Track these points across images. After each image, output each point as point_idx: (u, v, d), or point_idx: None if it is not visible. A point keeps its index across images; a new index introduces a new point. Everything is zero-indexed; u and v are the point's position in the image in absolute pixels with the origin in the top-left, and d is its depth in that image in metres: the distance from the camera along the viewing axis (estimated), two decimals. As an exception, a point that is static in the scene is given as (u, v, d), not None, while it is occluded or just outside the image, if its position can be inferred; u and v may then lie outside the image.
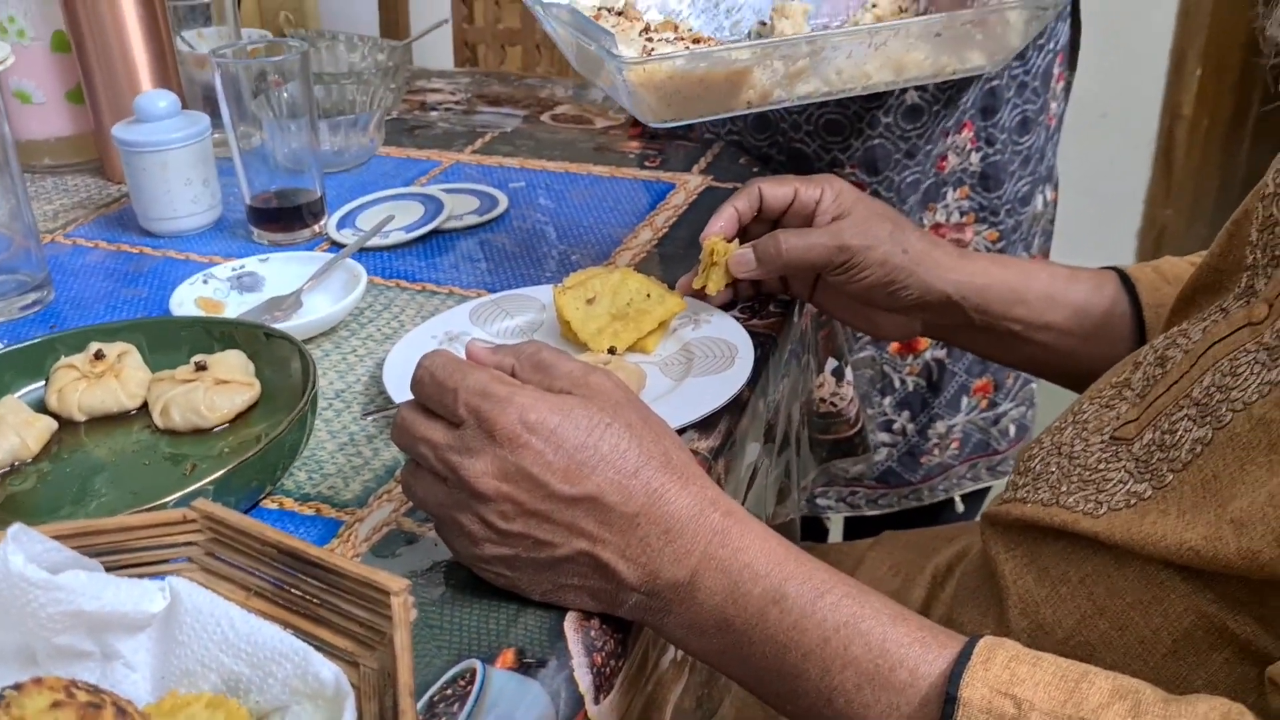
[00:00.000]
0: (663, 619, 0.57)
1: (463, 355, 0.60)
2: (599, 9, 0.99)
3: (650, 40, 0.93)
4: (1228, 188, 2.75)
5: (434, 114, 1.35)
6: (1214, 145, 2.67)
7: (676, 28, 0.98)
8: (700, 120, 0.87)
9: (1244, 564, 0.53)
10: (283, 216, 1.03)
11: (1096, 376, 0.74)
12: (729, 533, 0.55)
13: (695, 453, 0.72)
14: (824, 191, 0.83)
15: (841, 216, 0.82)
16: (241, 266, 0.94)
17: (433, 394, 0.58)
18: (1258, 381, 0.56)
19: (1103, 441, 0.66)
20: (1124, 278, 0.84)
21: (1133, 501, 0.60)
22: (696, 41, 0.95)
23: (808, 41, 0.85)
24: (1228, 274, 0.67)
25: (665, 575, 0.55)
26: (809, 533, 1.48)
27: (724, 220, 0.83)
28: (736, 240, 0.84)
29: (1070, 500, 0.64)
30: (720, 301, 0.87)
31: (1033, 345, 0.85)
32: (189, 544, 0.55)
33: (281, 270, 0.94)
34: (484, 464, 0.55)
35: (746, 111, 0.89)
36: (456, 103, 1.38)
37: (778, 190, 0.84)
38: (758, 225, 0.86)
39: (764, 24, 1.03)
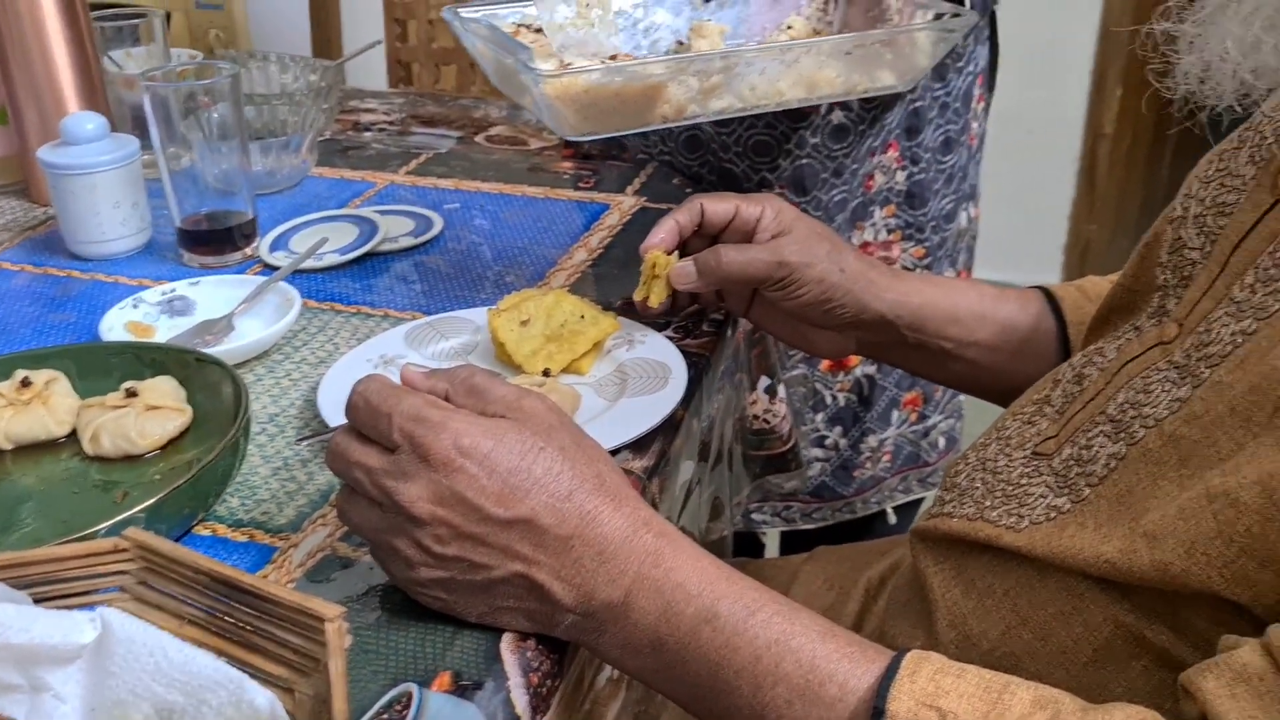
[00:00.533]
0: (598, 639, 0.57)
1: (397, 379, 0.61)
2: (518, 26, 1.00)
3: (565, 52, 0.94)
4: (1150, 203, 2.82)
5: (368, 134, 1.35)
6: (1136, 162, 2.74)
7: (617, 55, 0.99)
8: (617, 134, 0.88)
9: (1157, 575, 0.55)
10: (214, 239, 1.02)
11: (1022, 392, 0.76)
12: (662, 553, 0.56)
13: (629, 472, 0.73)
14: (764, 209, 0.84)
15: (781, 234, 0.83)
16: (172, 290, 0.93)
17: (367, 419, 0.58)
18: (1168, 399, 0.59)
19: (1024, 457, 0.68)
20: (1049, 296, 0.87)
21: (1052, 515, 0.62)
22: (613, 58, 0.96)
23: (722, 57, 0.87)
24: (1141, 294, 0.70)
25: (600, 596, 0.56)
26: (745, 548, 1.50)
27: (665, 232, 0.84)
28: (676, 253, 0.85)
29: (994, 514, 0.66)
30: (660, 313, 0.88)
31: (963, 362, 0.87)
32: (121, 573, 0.54)
33: (213, 294, 0.93)
34: (419, 488, 0.55)
35: (662, 126, 0.90)
36: (391, 123, 1.38)
37: (719, 206, 0.85)
38: (698, 240, 0.87)
39: (681, 44, 1.04)
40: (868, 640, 0.55)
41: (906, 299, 0.85)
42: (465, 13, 0.96)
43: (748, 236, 0.85)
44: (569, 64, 0.90)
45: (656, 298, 0.85)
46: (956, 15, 0.92)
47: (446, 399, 0.60)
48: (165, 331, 0.89)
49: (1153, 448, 0.58)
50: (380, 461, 0.57)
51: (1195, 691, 0.49)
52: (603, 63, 0.90)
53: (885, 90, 0.95)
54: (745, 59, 0.87)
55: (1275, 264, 0.56)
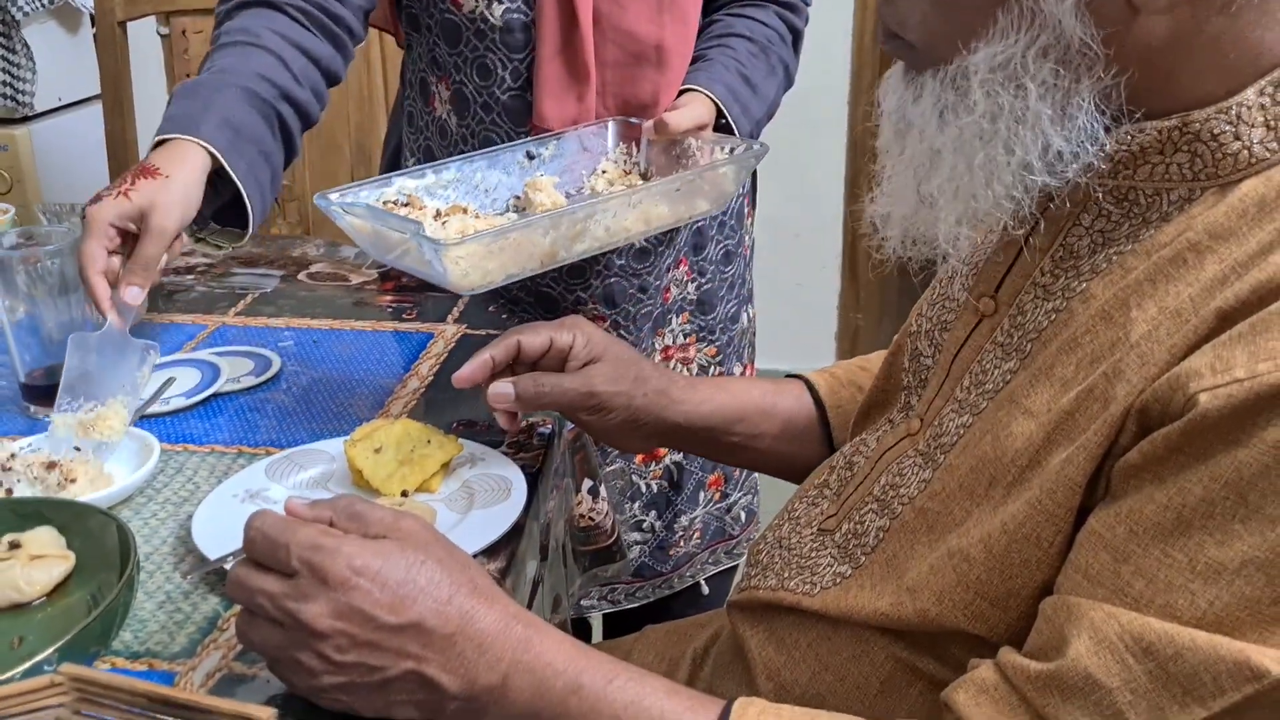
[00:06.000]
0: (481, 720, 0.68)
1: (276, 510, 0.70)
2: (384, 203, 1.10)
3: (446, 224, 1.06)
4: (907, 290, 3.14)
5: (189, 278, 1.41)
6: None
7: (466, 210, 1.12)
8: (504, 283, 1.01)
9: (919, 620, 0.70)
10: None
11: (806, 470, 0.91)
12: (530, 640, 0.68)
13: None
14: (576, 337, 0.96)
15: (592, 361, 0.96)
16: (29, 444, 0.98)
17: (265, 550, 0.67)
18: (917, 480, 0.75)
19: (812, 534, 0.83)
20: (809, 385, 1.03)
21: (838, 580, 0.77)
22: (476, 218, 1.10)
23: (583, 209, 1.02)
24: (891, 393, 0.87)
25: (481, 681, 0.67)
26: (574, 630, 1.61)
27: (476, 366, 0.94)
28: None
29: (792, 584, 0.80)
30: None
31: (751, 451, 1.02)
32: (58, 705, 0.61)
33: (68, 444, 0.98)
34: (319, 606, 0.65)
35: (540, 270, 1.04)
36: (211, 265, 1.45)
37: (534, 340, 0.96)
38: (520, 367, 0.97)
39: (518, 198, 1.18)
40: (706, 694, 0.68)
41: (698, 409, 0.99)
42: (336, 198, 1.05)
43: (562, 364, 0.96)
44: (460, 231, 1.03)
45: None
46: (749, 148, 1.11)
47: (331, 525, 0.70)
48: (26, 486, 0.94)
49: (908, 520, 0.73)
50: (280, 586, 0.66)
51: (951, 704, 0.64)
52: (491, 216, 1.04)
53: (703, 215, 1.13)
54: (602, 208, 1.02)
55: (982, 370, 0.73)
